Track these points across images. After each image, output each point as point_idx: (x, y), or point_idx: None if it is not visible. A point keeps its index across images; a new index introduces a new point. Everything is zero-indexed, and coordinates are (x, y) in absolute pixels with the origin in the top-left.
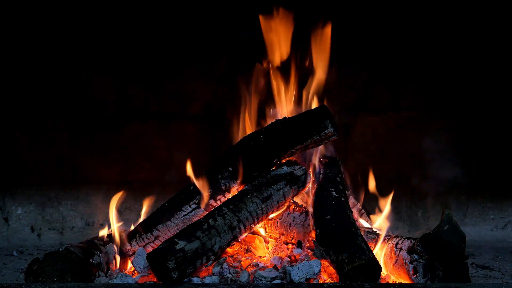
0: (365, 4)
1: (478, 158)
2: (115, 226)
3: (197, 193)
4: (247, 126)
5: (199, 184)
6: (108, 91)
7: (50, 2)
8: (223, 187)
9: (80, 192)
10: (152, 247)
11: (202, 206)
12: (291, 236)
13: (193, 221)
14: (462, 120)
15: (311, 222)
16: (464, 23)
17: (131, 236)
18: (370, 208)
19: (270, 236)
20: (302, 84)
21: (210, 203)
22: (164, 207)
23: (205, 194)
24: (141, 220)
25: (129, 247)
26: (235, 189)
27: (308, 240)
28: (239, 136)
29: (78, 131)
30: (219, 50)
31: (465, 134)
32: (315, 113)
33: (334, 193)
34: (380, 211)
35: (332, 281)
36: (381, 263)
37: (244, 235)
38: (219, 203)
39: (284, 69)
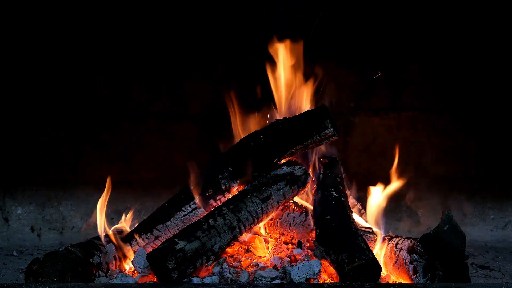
0: (366, 4)
1: (478, 158)
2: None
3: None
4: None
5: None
6: (108, 91)
7: (50, 3)
8: (223, 187)
9: (80, 192)
10: (152, 247)
11: (202, 206)
12: (291, 236)
13: (193, 221)
14: (462, 120)
15: (311, 222)
16: (465, 22)
17: (131, 236)
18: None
19: (270, 236)
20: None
21: (210, 203)
22: (164, 207)
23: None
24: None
25: (129, 247)
26: (235, 189)
27: (308, 240)
28: (239, 136)
29: (78, 131)
30: (219, 50)
31: (465, 134)
32: (315, 113)
33: (334, 193)
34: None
35: (332, 281)
36: (381, 263)
37: (244, 235)
38: (219, 203)
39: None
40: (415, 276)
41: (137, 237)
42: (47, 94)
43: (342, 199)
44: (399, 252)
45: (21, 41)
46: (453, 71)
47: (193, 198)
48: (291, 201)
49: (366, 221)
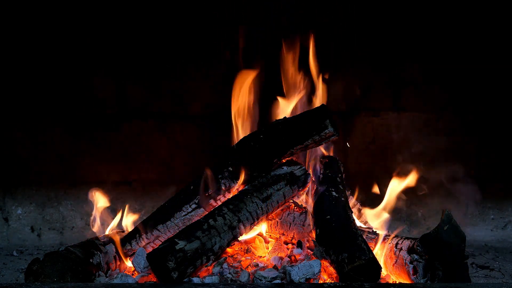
0: (366, 5)
1: (478, 158)
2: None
3: (197, 193)
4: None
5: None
6: (108, 91)
7: (50, 3)
8: (223, 187)
9: (80, 192)
10: (152, 247)
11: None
12: (291, 236)
13: (193, 221)
14: (462, 120)
15: (311, 222)
16: (464, 22)
17: (131, 236)
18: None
19: (270, 236)
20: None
21: (210, 203)
22: (164, 207)
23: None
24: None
25: (129, 247)
26: (235, 189)
27: (308, 240)
28: (239, 136)
29: (78, 131)
30: (219, 50)
31: (465, 134)
32: (315, 113)
33: (334, 193)
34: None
35: (332, 281)
36: (381, 263)
37: (244, 235)
38: (219, 203)
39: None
40: (415, 276)
41: (137, 237)
42: (47, 94)
43: (342, 199)
44: (399, 252)
45: (21, 42)
46: (453, 71)
47: (193, 198)
48: (291, 201)
49: (366, 221)
